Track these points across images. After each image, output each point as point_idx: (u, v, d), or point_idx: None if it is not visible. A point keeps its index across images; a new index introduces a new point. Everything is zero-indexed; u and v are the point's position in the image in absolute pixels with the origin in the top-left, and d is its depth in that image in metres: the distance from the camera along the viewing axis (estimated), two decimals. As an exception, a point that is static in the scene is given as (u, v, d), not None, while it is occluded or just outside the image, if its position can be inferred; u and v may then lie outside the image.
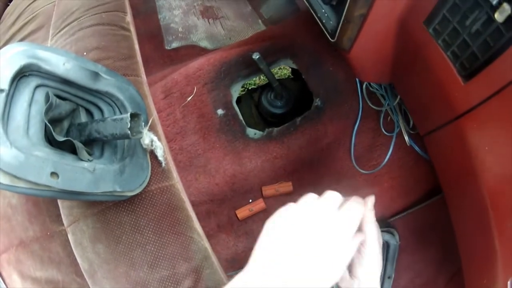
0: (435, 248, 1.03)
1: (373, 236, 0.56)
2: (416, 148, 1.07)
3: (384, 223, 1.05)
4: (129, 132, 0.54)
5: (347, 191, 0.56)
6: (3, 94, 0.53)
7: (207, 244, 0.72)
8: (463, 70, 0.55)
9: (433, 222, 1.04)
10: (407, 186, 1.10)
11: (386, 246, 1.01)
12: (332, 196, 0.52)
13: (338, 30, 0.71)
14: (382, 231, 0.98)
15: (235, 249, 1.06)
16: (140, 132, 0.56)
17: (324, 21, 0.74)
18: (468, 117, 0.58)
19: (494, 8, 0.47)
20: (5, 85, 0.54)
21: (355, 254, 0.56)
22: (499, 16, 0.47)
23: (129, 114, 0.54)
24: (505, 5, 0.45)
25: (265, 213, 1.08)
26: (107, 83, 0.67)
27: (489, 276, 0.59)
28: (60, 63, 0.61)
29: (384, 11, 0.63)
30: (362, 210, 0.52)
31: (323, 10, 0.74)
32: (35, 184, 0.51)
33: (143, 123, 0.57)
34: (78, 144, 0.58)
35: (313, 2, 0.77)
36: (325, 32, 0.76)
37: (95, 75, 0.65)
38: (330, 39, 0.75)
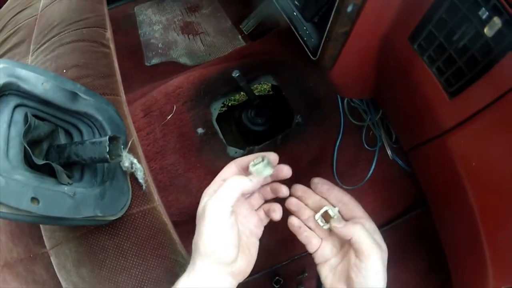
0: (421, 258, 1.03)
1: (363, 244, 0.51)
2: (399, 161, 1.08)
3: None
4: (108, 156, 0.53)
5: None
6: (-18, 115, 0.52)
7: (192, 267, 0.71)
8: (449, 86, 0.54)
9: (417, 233, 1.05)
10: (390, 199, 1.10)
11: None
12: None
13: (320, 49, 0.69)
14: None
15: (217, 268, 1.04)
16: (120, 156, 0.56)
17: (305, 38, 0.73)
18: (454, 133, 0.58)
19: (484, 23, 0.46)
20: (-16, 106, 0.52)
21: (354, 270, 0.51)
22: (488, 31, 0.46)
23: (107, 137, 0.53)
24: (496, 19, 0.45)
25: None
26: (86, 104, 0.66)
27: (480, 286, 0.58)
28: (39, 82, 0.60)
29: (367, 28, 0.62)
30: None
31: (305, 28, 0.73)
32: (15, 209, 0.49)
33: (122, 146, 0.56)
34: (57, 168, 0.57)
35: (294, 19, 0.75)
36: (307, 50, 0.74)
37: (74, 96, 0.64)
38: (311, 57, 0.74)
